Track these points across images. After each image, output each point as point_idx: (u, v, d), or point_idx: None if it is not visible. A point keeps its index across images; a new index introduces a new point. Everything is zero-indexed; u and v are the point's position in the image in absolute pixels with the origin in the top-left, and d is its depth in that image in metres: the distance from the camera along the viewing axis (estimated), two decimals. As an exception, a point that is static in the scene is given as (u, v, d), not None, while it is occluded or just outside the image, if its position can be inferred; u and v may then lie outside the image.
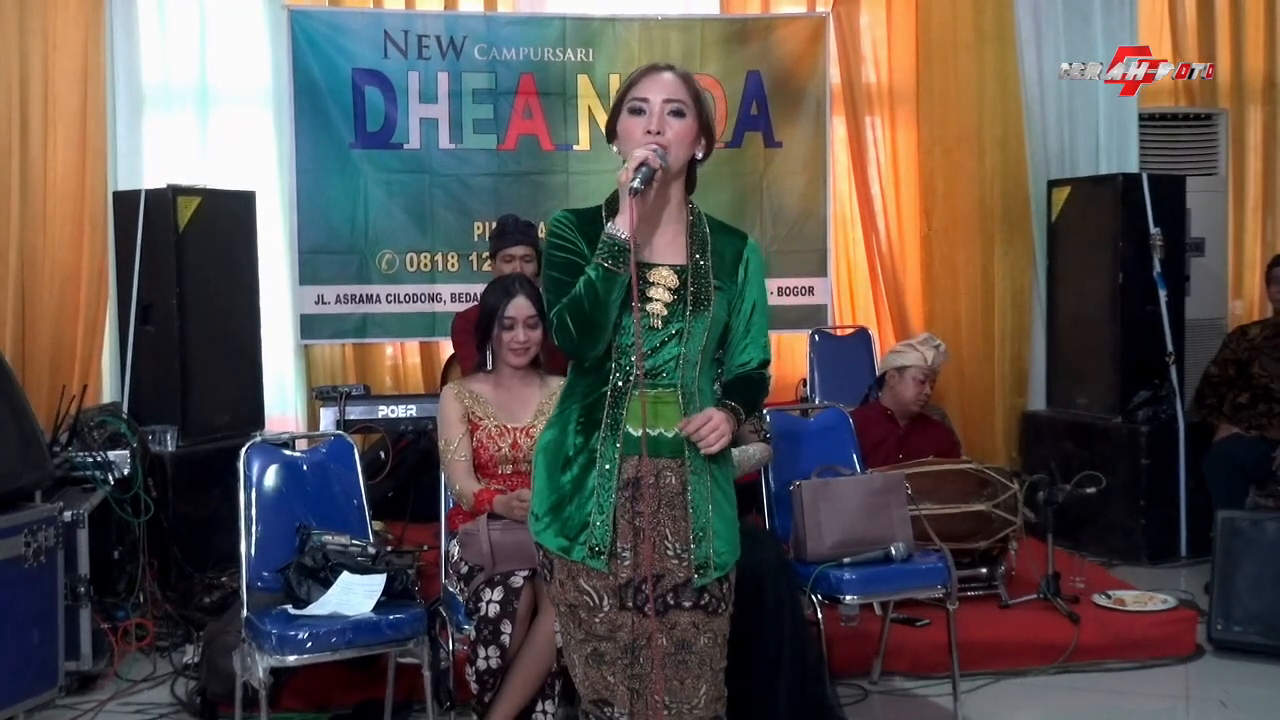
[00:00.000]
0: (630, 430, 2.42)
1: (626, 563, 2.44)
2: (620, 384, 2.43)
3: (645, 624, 2.45)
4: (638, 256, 2.38)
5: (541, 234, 6.17)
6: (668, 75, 2.47)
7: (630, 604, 2.45)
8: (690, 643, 2.47)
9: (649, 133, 2.42)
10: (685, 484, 2.46)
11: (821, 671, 3.76)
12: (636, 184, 2.34)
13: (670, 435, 2.44)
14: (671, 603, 2.46)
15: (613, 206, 2.47)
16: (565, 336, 2.40)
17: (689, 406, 2.46)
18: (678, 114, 2.44)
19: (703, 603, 2.48)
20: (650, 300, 2.43)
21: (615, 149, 2.51)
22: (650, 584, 2.42)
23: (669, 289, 2.45)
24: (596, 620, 2.45)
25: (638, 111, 2.45)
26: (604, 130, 2.58)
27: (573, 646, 2.50)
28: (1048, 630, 4.44)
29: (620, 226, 2.36)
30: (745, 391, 2.54)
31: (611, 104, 2.54)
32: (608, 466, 2.43)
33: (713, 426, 2.39)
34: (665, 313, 2.43)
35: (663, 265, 2.47)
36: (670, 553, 2.46)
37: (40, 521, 3.89)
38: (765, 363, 2.60)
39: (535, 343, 3.73)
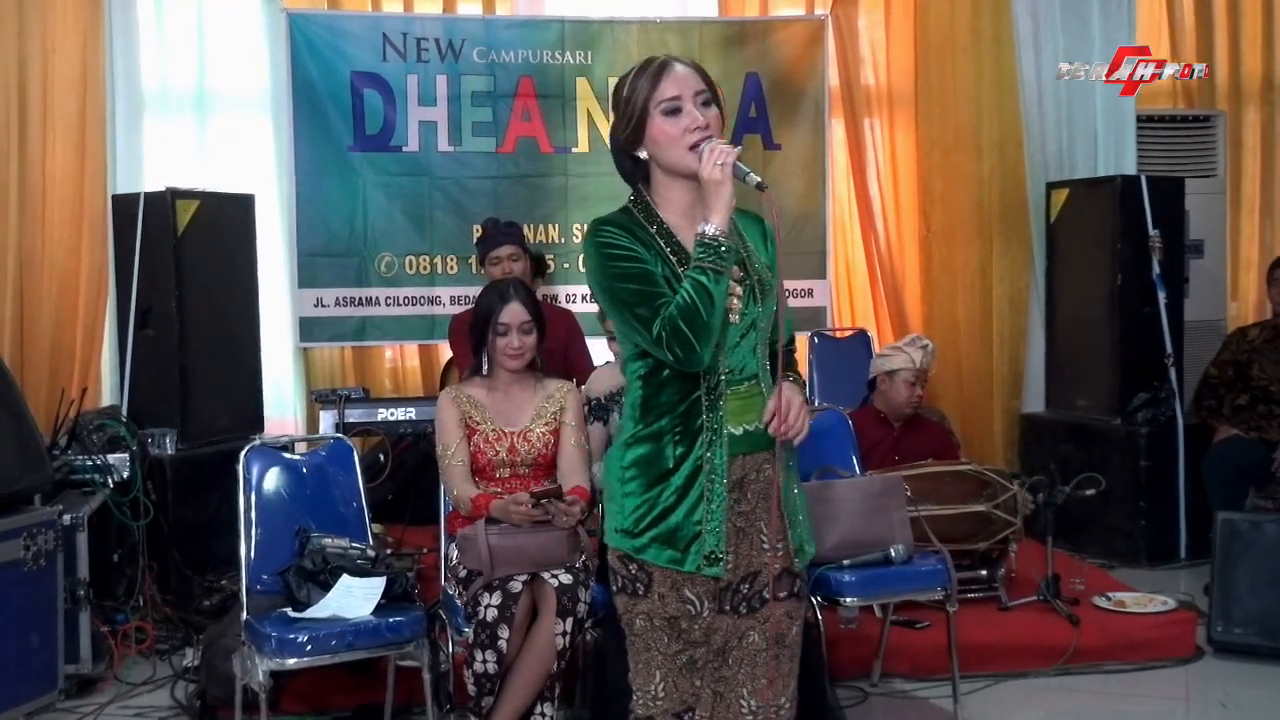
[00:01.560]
0: (731, 430, 2.38)
1: (729, 565, 2.40)
2: (714, 384, 2.37)
3: (739, 624, 2.43)
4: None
5: (539, 237, 6.22)
6: (684, 69, 2.40)
7: (728, 606, 2.43)
8: (784, 635, 2.46)
9: (696, 129, 2.35)
10: (778, 473, 2.43)
11: (821, 674, 3.77)
12: (755, 175, 2.29)
13: (763, 428, 2.38)
14: (768, 596, 2.44)
15: (646, 209, 2.42)
16: (685, 347, 2.27)
17: (768, 395, 2.41)
18: (708, 104, 2.39)
19: (795, 590, 2.47)
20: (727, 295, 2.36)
21: (643, 154, 2.42)
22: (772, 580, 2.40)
23: (736, 281, 2.39)
24: (696, 627, 2.41)
25: (674, 111, 2.36)
26: (621, 139, 2.45)
27: (659, 661, 2.42)
28: (1047, 632, 4.45)
29: (718, 225, 2.29)
30: (792, 369, 2.50)
31: (625, 109, 2.42)
32: (717, 472, 2.37)
33: (799, 411, 2.33)
34: (741, 306, 2.39)
35: None
36: (766, 546, 2.43)
37: (39, 525, 3.89)
38: (792, 339, 2.56)
39: (530, 348, 3.72)
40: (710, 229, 2.29)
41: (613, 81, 6.27)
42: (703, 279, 2.27)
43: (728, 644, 2.44)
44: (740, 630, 2.43)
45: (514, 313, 3.69)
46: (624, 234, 2.37)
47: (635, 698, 2.47)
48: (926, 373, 4.98)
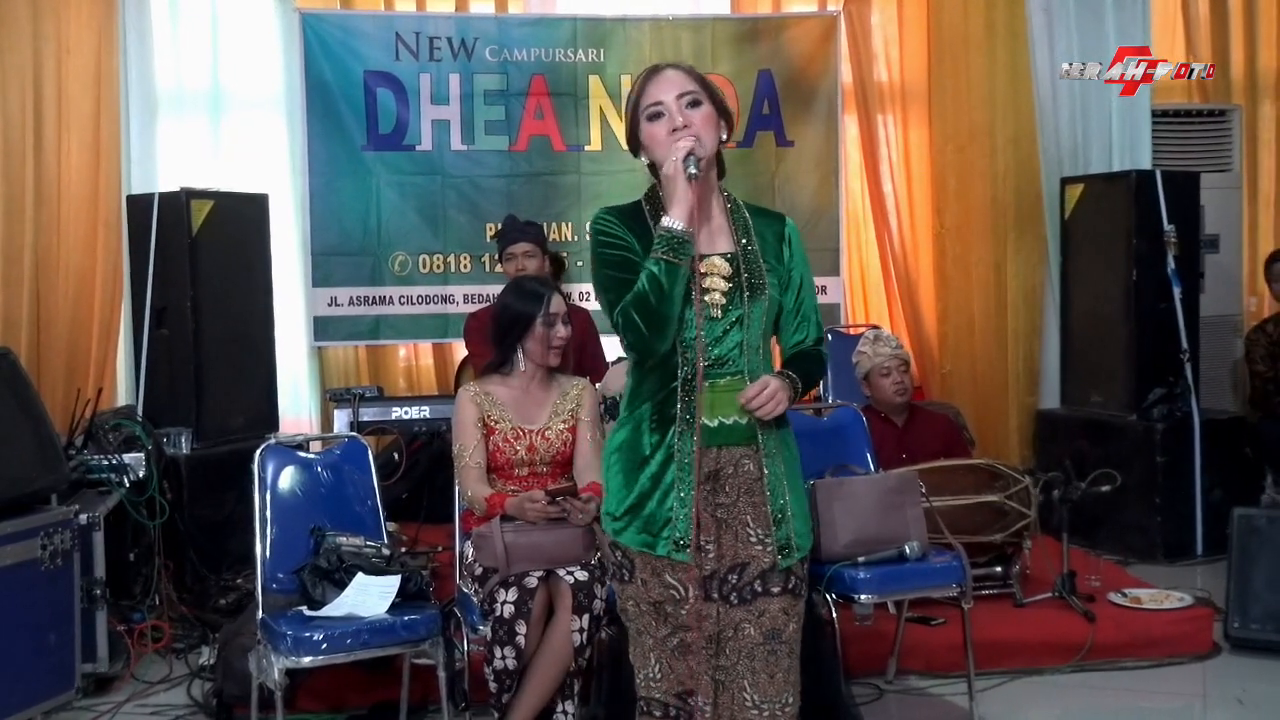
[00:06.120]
0: (706, 422, 2.43)
1: (710, 555, 2.45)
2: (689, 376, 2.43)
3: (731, 614, 2.47)
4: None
5: (553, 234, 6.22)
6: (671, 73, 2.50)
7: (715, 595, 2.47)
8: (780, 630, 2.48)
9: (676, 130, 2.44)
10: (762, 469, 2.48)
11: (836, 671, 3.76)
12: (694, 170, 2.37)
13: (744, 422, 2.45)
14: (760, 590, 2.47)
15: (654, 202, 2.50)
16: (634, 333, 2.40)
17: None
18: (694, 104, 2.47)
19: (790, 586, 2.49)
20: (708, 290, 2.45)
21: (644, 159, 2.53)
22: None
23: (723, 277, 2.47)
24: (683, 612, 2.46)
25: (657, 116, 2.47)
26: (625, 144, 2.60)
27: (651, 645, 2.50)
28: (1063, 629, 4.43)
29: (677, 218, 2.38)
30: (803, 364, 2.55)
31: (625, 116, 2.56)
32: (686, 460, 2.43)
33: (770, 394, 2.39)
34: (724, 301, 2.46)
35: (714, 254, 2.49)
36: (753, 539, 2.47)
37: (56, 524, 3.90)
38: (820, 339, 2.62)
39: (568, 339, 3.75)
40: (666, 221, 2.39)
41: (625, 79, 6.33)
42: (655, 269, 2.37)
43: (722, 633, 2.48)
44: (734, 621, 2.47)
45: (559, 303, 3.72)
46: (618, 223, 2.49)
47: (637, 680, 2.55)
48: (900, 359, 4.88)
